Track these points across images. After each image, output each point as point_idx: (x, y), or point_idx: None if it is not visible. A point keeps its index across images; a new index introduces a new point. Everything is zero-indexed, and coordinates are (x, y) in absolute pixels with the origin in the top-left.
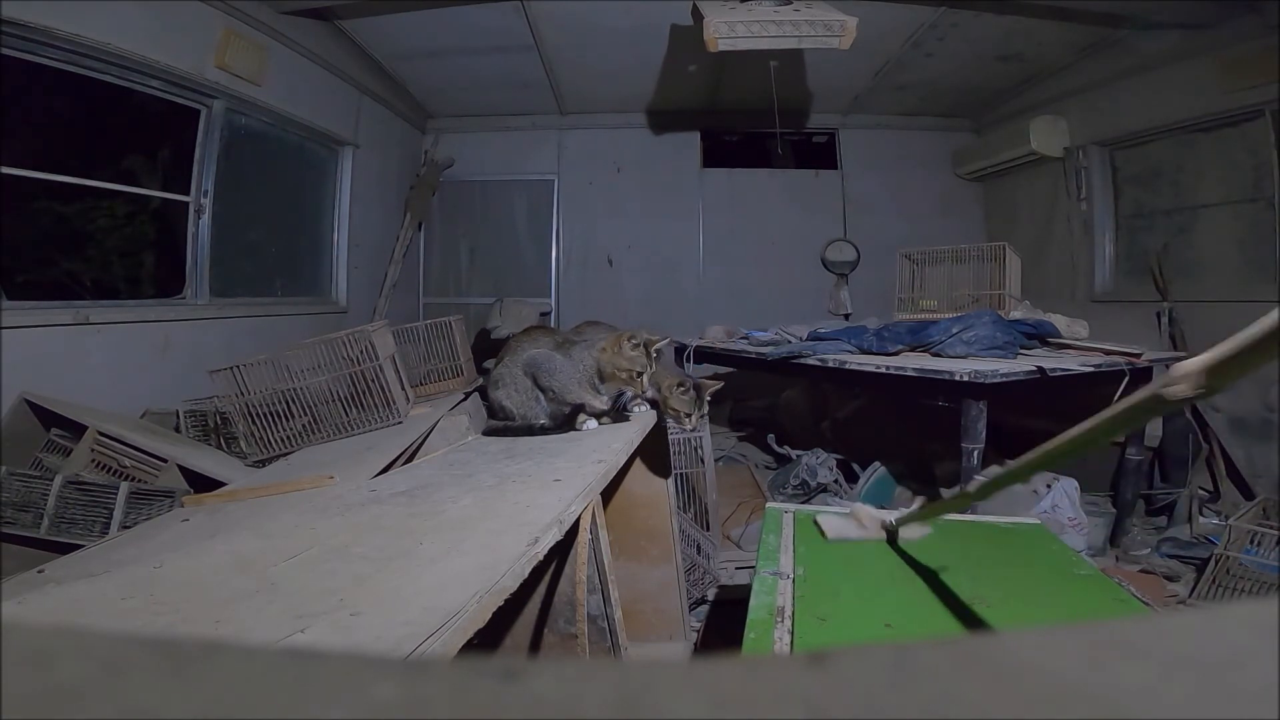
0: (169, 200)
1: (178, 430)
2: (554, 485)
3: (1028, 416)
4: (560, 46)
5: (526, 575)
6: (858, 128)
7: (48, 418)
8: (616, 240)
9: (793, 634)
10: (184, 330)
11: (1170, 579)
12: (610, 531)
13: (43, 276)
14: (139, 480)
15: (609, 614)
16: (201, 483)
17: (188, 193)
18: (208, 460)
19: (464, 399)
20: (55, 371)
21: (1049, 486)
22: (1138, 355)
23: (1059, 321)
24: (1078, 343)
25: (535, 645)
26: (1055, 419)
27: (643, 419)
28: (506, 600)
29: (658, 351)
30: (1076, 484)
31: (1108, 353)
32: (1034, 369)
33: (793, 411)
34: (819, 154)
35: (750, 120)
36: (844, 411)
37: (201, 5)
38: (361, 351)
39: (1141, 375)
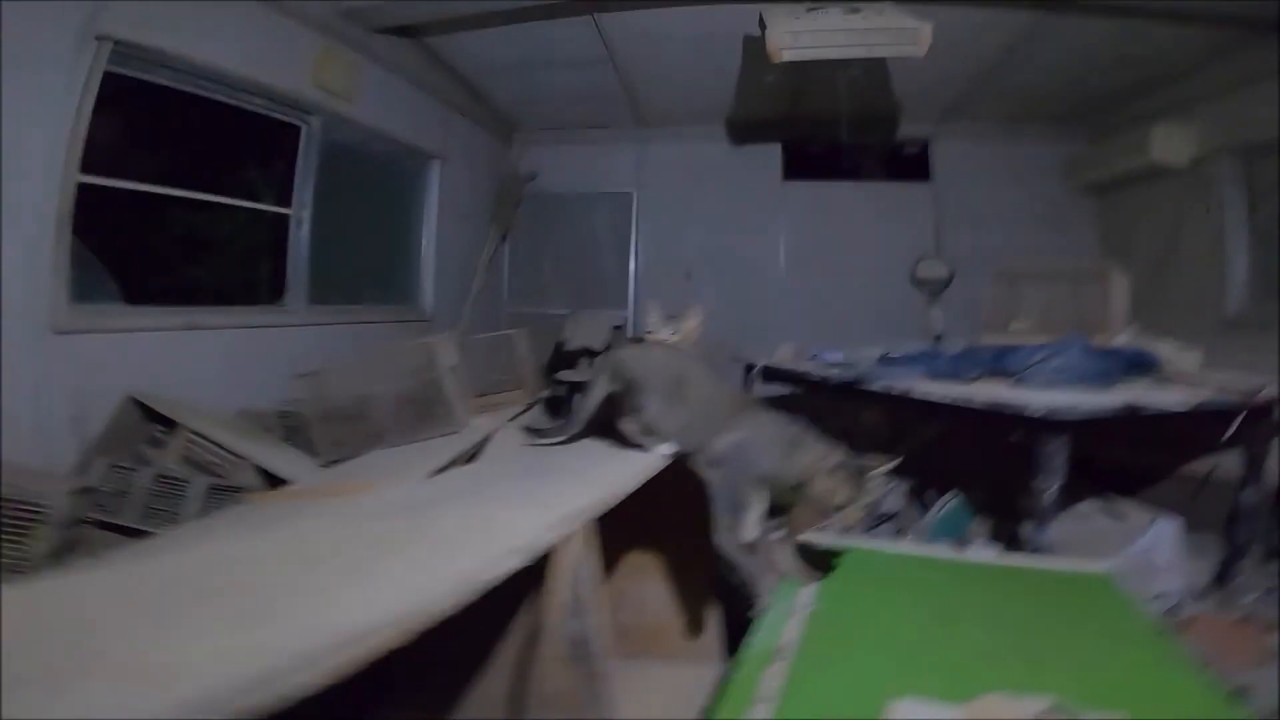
0: (273, 212)
1: (270, 430)
2: (546, 507)
3: (1123, 450)
4: (633, 58)
5: (475, 599)
6: (953, 137)
7: (151, 415)
8: (695, 253)
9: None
10: (284, 335)
11: (1271, 630)
12: (642, 550)
13: (158, 284)
14: (219, 476)
15: (589, 637)
16: (278, 480)
17: (289, 205)
18: (278, 459)
19: (524, 410)
20: (166, 371)
21: (1150, 525)
22: (1258, 390)
23: (1166, 350)
24: (1187, 374)
25: (521, 668)
26: (1154, 454)
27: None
28: (492, 621)
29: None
30: (1180, 524)
31: (1221, 387)
32: (1121, 405)
33: (867, 434)
34: (910, 165)
35: (834, 131)
36: (922, 437)
37: (299, 26)
38: (425, 362)
39: (1259, 413)
